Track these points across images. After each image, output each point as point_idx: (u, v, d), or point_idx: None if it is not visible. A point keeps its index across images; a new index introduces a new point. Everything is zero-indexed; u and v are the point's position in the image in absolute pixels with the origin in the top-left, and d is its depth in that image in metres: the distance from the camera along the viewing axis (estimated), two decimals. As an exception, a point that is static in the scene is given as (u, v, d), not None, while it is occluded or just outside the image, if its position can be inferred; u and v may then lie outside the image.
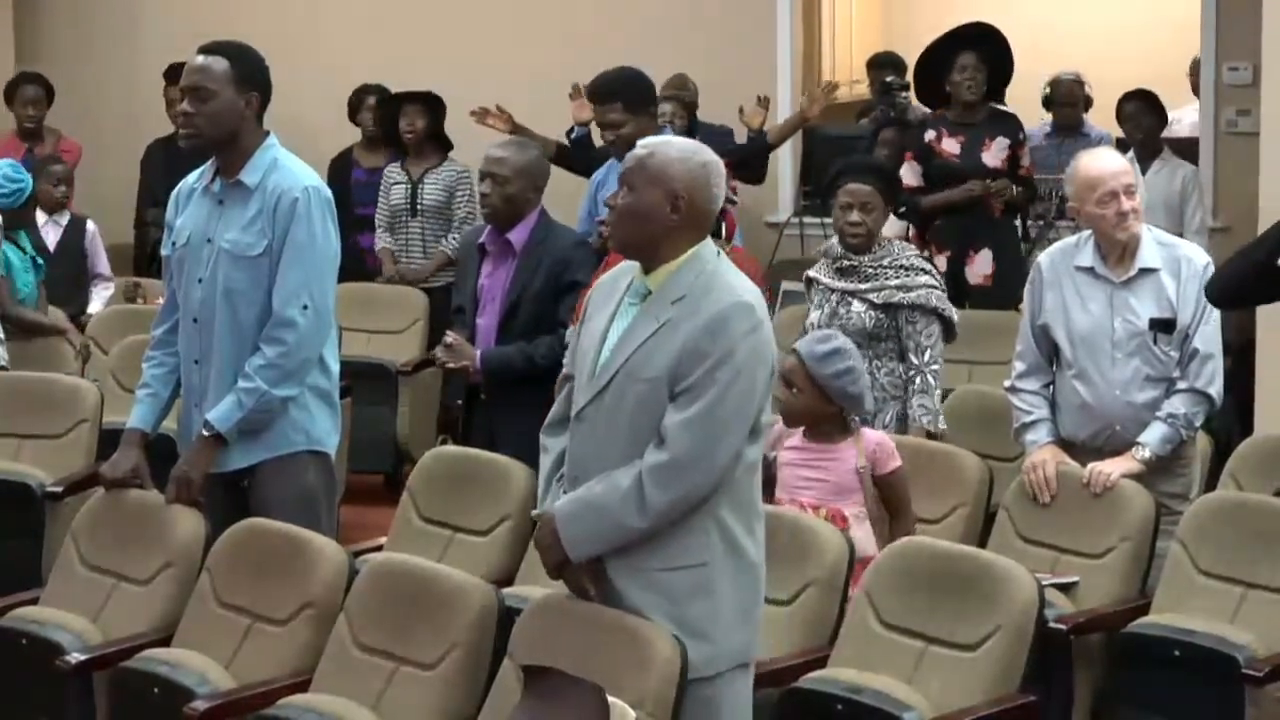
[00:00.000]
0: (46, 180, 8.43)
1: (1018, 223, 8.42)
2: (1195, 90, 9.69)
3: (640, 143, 4.12)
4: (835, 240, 6.17)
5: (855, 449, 5.36)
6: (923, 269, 6.09)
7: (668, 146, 4.07)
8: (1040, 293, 5.65)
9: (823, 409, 5.35)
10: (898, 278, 6.02)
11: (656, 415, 3.93)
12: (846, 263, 6.09)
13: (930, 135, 8.22)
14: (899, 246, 6.17)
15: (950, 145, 8.15)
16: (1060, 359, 5.63)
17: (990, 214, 8.09)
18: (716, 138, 8.24)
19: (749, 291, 4.00)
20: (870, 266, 6.05)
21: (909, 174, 8.14)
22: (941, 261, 7.86)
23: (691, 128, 8.51)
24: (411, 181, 9.05)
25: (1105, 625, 5.18)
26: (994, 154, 8.10)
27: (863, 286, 6.04)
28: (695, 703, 3.98)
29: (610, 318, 4.06)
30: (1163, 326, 5.48)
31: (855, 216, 6.06)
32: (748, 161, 8.21)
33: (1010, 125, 8.21)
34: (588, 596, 4.04)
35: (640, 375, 3.95)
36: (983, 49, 8.17)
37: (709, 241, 4.06)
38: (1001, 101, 8.36)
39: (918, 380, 5.99)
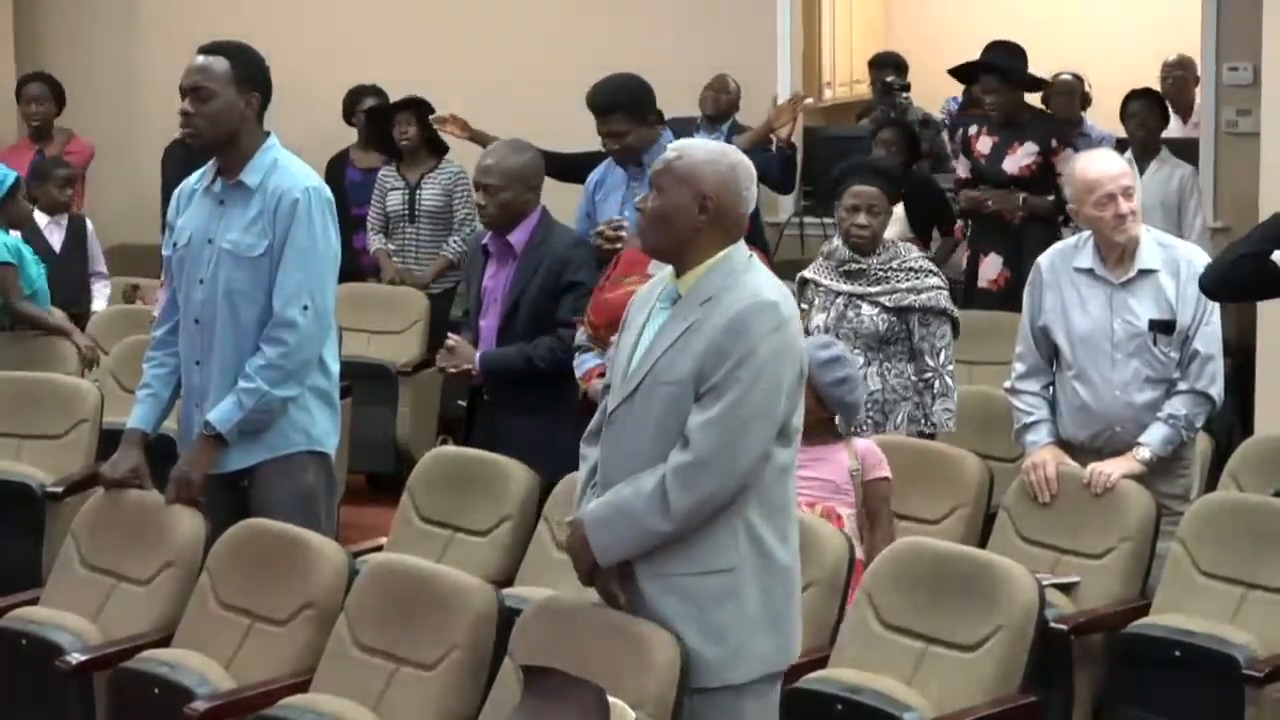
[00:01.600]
0: (52, 184, 8.42)
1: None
2: (1166, 94, 9.68)
3: (670, 145, 4.11)
4: (838, 242, 6.14)
5: (847, 451, 5.39)
6: (930, 270, 6.07)
7: (696, 149, 4.05)
8: (1040, 294, 5.65)
9: (816, 415, 5.34)
10: (908, 280, 6.00)
11: (683, 418, 3.90)
12: (854, 265, 6.05)
13: (973, 130, 8.21)
14: (904, 248, 6.14)
15: (983, 145, 8.14)
16: (1060, 360, 5.63)
17: (1004, 220, 8.03)
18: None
19: (774, 290, 3.97)
20: (879, 269, 6.02)
21: (959, 168, 8.25)
22: (963, 259, 7.91)
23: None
24: (409, 187, 9.02)
25: (1106, 625, 5.18)
26: (1016, 160, 8.03)
27: (872, 290, 6.02)
28: (720, 711, 3.96)
29: (644, 323, 4.04)
30: (1162, 328, 5.47)
31: (862, 219, 6.04)
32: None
33: (1043, 132, 8.11)
34: (617, 604, 4.00)
35: (667, 378, 3.92)
36: (1001, 65, 8.11)
37: (742, 245, 4.02)
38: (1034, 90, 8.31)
39: (936, 384, 5.96)
